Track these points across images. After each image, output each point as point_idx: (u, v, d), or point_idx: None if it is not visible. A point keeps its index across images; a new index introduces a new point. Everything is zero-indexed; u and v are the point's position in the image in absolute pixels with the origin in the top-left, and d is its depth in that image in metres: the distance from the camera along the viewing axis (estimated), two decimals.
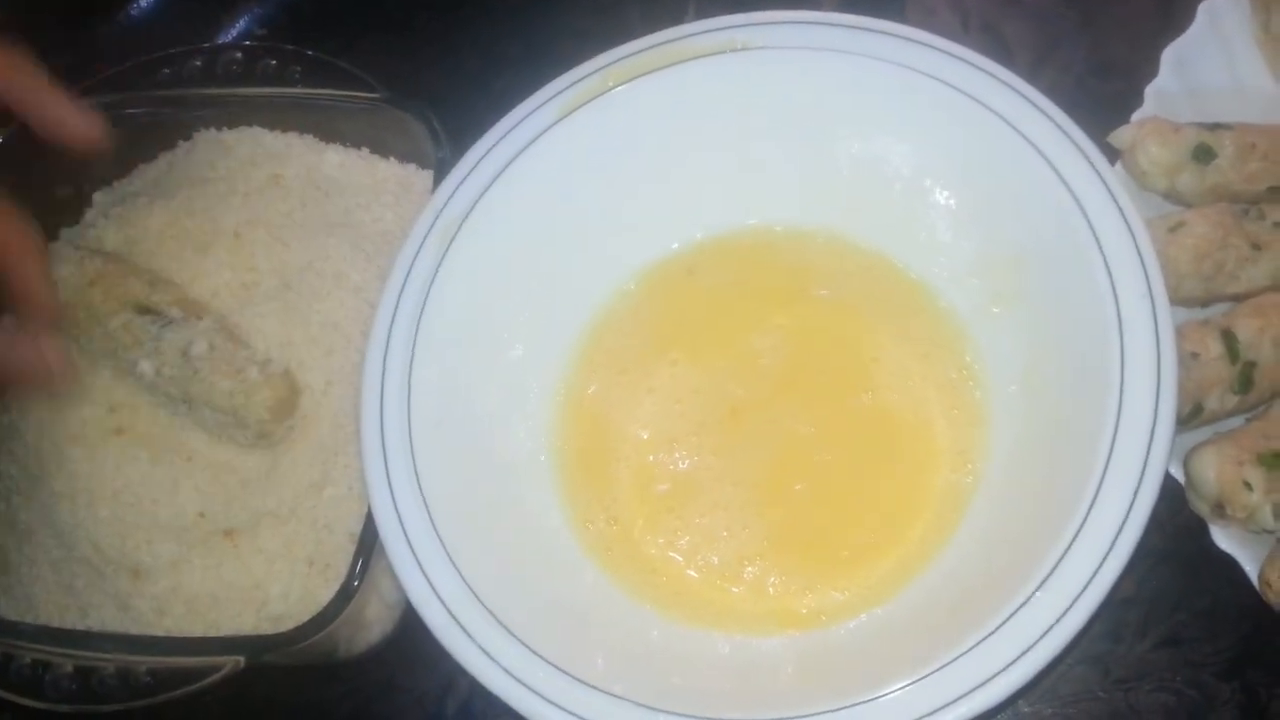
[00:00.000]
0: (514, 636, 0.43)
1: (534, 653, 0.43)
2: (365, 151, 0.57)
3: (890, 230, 0.52)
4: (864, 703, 0.40)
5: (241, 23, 0.67)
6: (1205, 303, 0.49)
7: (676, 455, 0.51)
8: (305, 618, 0.47)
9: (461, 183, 0.49)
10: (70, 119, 0.47)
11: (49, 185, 0.58)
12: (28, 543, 0.52)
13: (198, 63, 0.56)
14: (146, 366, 0.49)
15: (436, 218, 0.49)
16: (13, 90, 0.46)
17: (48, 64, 0.64)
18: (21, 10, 0.63)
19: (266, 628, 0.49)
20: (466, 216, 0.49)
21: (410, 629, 0.52)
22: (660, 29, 0.52)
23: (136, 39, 0.66)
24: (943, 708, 0.40)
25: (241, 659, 0.46)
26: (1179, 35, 0.53)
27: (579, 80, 0.51)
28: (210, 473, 0.50)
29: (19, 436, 0.52)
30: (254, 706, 0.52)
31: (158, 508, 0.50)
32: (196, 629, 0.49)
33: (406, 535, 0.45)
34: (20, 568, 0.52)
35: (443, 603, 0.44)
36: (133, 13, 0.68)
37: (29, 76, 0.47)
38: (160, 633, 0.49)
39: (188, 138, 0.58)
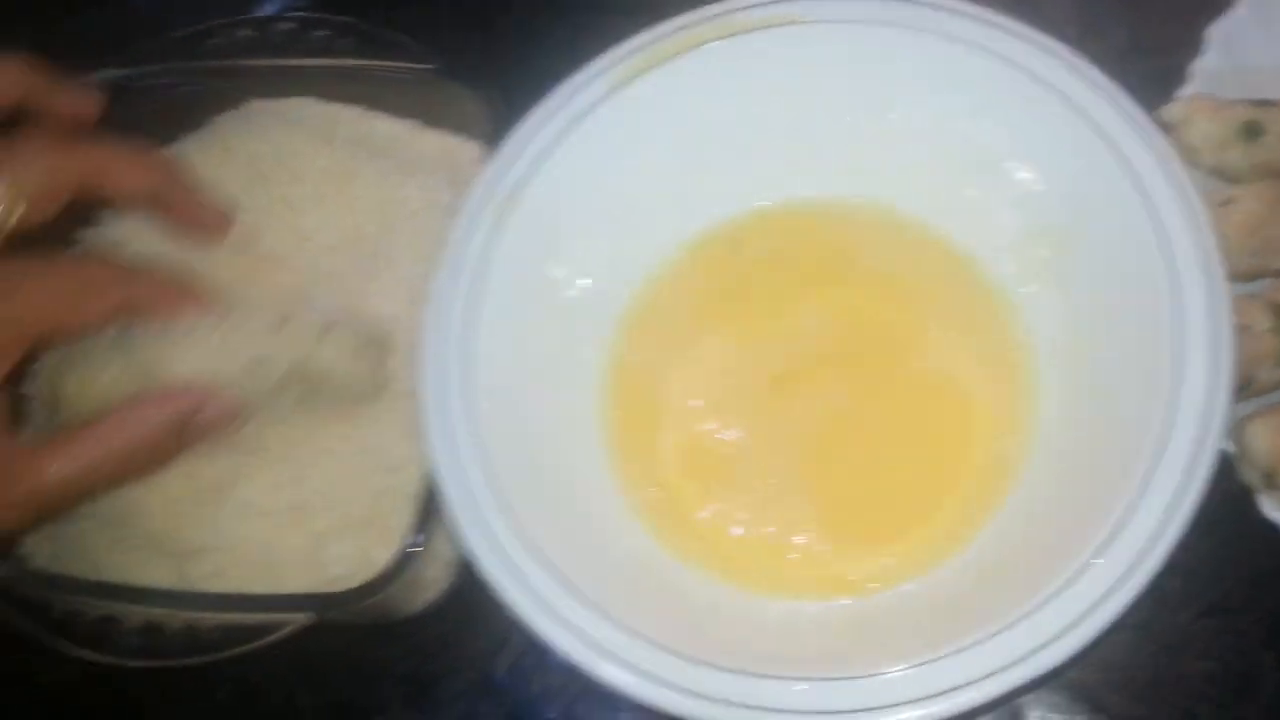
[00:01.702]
0: (573, 591, 0.44)
1: (594, 606, 0.43)
2: (413, 122, 0.57)
3: (937, 204, 0.52)
4: (917, 665, 0.41)
5: None
6: (1251, 277, 0.50)
7: (723, 424, 0.51)
8: (363, 579, 0.48)
9: (518, 152, 0.50)
10: (204, 214, 0.52)
11: None
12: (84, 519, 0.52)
13: (249, 32, 0.56)
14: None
15: (493, 189, 0.50)
16: (163, 195, 0.50)
17: (82, 33, 0.65)
18: None
19: (325, 588, 0.49)
20: (522, 187, 0.50)
21: (464, 590, 0.53)
22: (703, 5, 0.53)
23: (177, 7, 0.66)
24: (997, 672, 0.41)
25: (307, 616, 0.46)
26: (1221, 15, 0.54)
27: (631, 54, 0.51)
28: (282, 459, 0.50)
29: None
30: (311, 665, 0.53)
31: (221, 496, 0.50)
32: (256, 590, 0.49)
33: (470, 493, 0.45)
34: (74, 539, 0.53)
35: (505, 558, 0.45)
36: None
37: (178, 181, 0.52)
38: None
39: (236, 106, 0.58)
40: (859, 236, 0.53)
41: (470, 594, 0.53)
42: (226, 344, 0.47)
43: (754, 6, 0.50)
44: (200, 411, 0.46)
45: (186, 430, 0.47)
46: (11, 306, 0.44)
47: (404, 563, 0.47)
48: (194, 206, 0.52)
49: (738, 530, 0.50)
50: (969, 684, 0.41)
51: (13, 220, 0.44)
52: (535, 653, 0.53)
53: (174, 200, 0.51)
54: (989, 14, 0.48)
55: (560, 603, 0.44)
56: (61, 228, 0.51)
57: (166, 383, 0.46)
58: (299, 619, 0.47)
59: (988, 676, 0.41)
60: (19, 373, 0.48)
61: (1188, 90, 0.52)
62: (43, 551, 0.54)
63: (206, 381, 0.47)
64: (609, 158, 0.51)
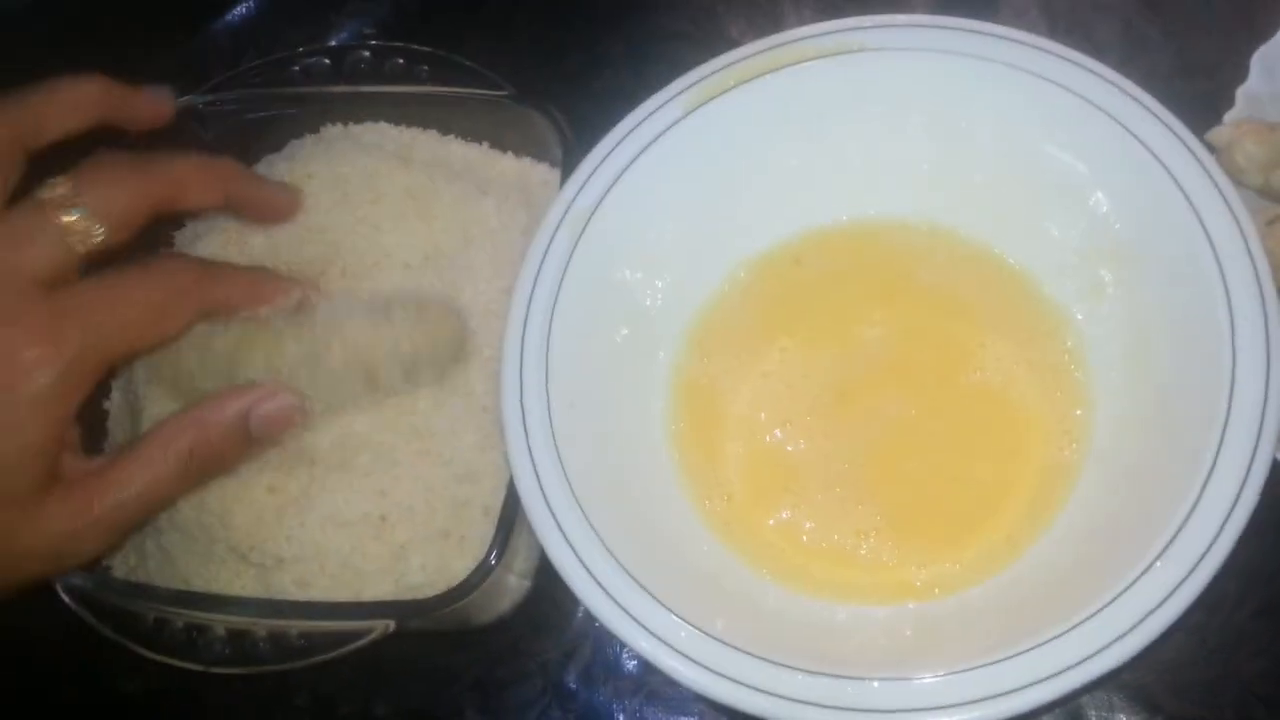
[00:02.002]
0: (649, 593, 0.45)
1: (667, 608, 0.45)
2: (485, 145, 0.60)
3: (995, 224, 0.54)
4: (979, 667, 0.43)
5: (351, 23, 0.69)
6: None
7: (789, 436, 0.53)
8: (442, 588, 0.50)
9: (592, 174, 0.52)
10: (275, 200, 0.55)
11: None
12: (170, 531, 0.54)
13: (326, 61, 0.58)
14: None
15: (567, 209, 0.52)
16: (234, 197, 0.52)
17: (160, 65, 0.68)
18: (131, 13, 0.66)
19: (405, 596, 0.51)
20: (596, 207, 0.52)
21: (537, 599, 0.55)
22: (756, 32, 0.55)
23: (248, 37, 0.69)
24: (1059, 673, 0.42)
25: (391, 623, 0.48)
26: (1265, 39, 0.56)
27: (700, 80, 0.53)
28: (365, 472, 0.52)
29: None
30: (386, 672, 0.55)
31: (304, 508, 0.52)
32: (339, 598, 0.51)
33: (548, 502, 0.47)
34: (162, 550, 0.55)
35: (583, 564, 0.46)
36: (243, 11, 0.70)
37: (245, 181, 0.54)
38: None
39: (314, 132, 0.60)
40: (920, 256, 0.55)
41: (541, 603, 0.55)
42: (310, 334, 0.48)
43: (821, 35, 0.52)
44: (261, 408, 0.47)
45: (252, 428, 0.47)
46: (91, 333, 0.44)
47: (483, 573, 0.49)
48: (264, 201, 0.54)
49: (804, 539, 0.51)
50: (1031, 685, 0.42)
51: (91, 244, 0.45)
52: (604, 660, 0.55)
53: (245, 200, 0.53)
54: (1045, 41, 0.50)
55: (634, 602, 0.45)
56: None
57: (245, 378, 0.47)
58: (381, 626, 0.49)
59: (1049, 678, 0.42)
60: (96, 392, 0.49)
61: (1233, 114, 0.54)
62: (127, 563, 0.56)
63: (284, 375, 0.48)
64: (679, 180, 0.53)
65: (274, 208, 0.55)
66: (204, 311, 0.48)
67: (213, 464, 0.48)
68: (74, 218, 0.45)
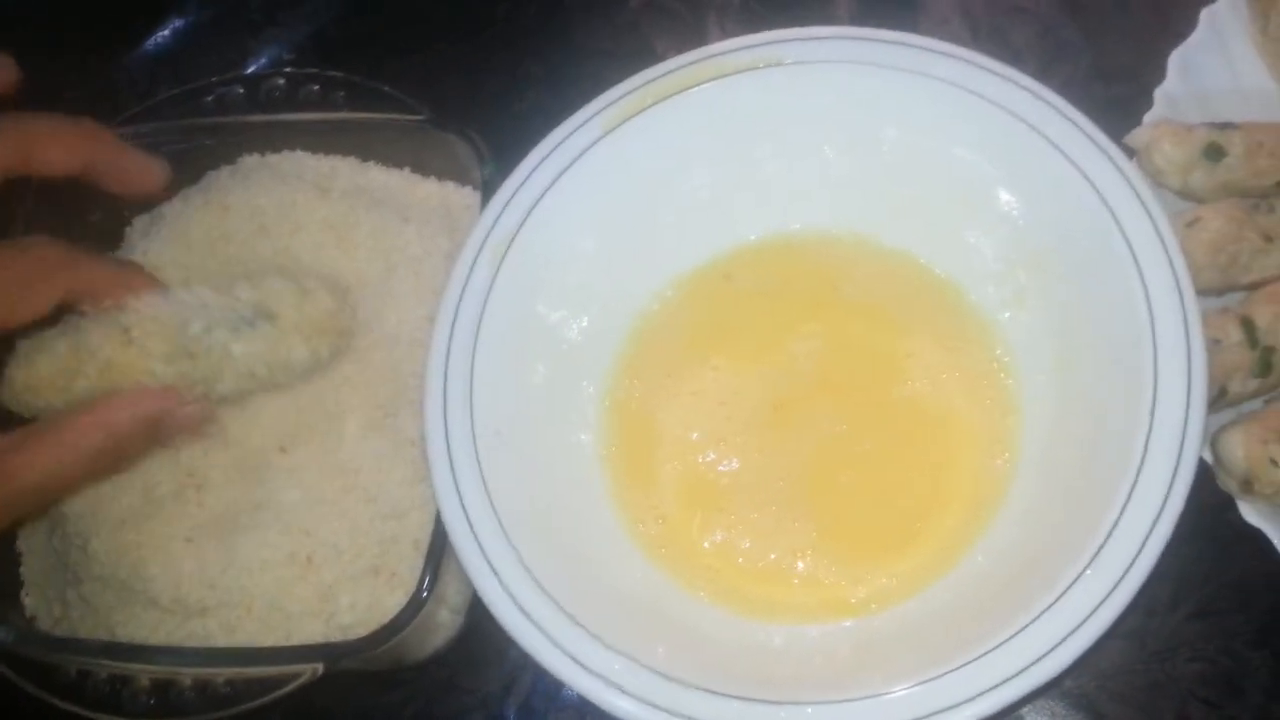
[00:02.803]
0: (582, 627, 0.45)
1: (601, 642, 0.44)
2: (406, 171, 0.59)
3: (917, 232, 0.54)
4: (924, 683, 0.42)
5: (270, 49, 0.68)
6: (1220, 292, 0.52)
7: (722, 455, 0.53)
8: (373, 626, 0.48)
9: (511, 198, 0.51)
10: (141, 169, 0.50)
11: (85, 212, 0.59)
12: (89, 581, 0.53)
13: (241, 90, 0.57)
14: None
15: (488, 234, 0.51)
16: (95, 163, 0.49)
17: (74, 96, 0.66)
18: (45, 43, 0.65)
19: (337, 637, 0.50)
20: (517, 232, 0.51)
21: (472, 633, 0.54)
22: (679, 47, 0.54)
23: (166, 67, 0.68)
24: (1003, 683, 0.42)
25: (320, 666, 0.47)
26: (1181, 40, 0.56)
27: (619, 99, 0.53)
28: (287, 512, 0.51)
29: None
30: (322, 713, 0.54)
31: (226, 553, 0.50)
32: (268, 643, 0.50)
33: (476, 537, 0.46)
34: (81, 600, 0.53)
35: (513, 600, 0.45)
36: (160, 40, 0.69)
37: (107, 145, 0.50)
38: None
39: (231, 162, 0.59)
40: (847, 267, 0.55)
41: (477, 637, 0.54)
42: (175, 327, 0.47)
43: (740, 50, 0.52)
44: (172, 412, 0.46)
45: (158, 430, 0.46)
46: None
47: (414, 609, 0.48)
48: (128, 170, 0.50)
49: (740, 559, 0.51)
50: (969, 700, 0.42)
51: None
52: (544, 691, 0.54)
53: (108, 167, 0.49)
54: (962, 51, 0.50)
55: (569, 638, 0.44)
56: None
57: (130, 377, 0.46)
58: (309, 670, 0.47)
59: (987, 691, 0.42)
60: None
61: (1152, 115, 0.54)
62: (51, 614, 0.55)
63: (172, 372, 0.46)
64: (601, 200, 0.53)
65: (139, 179, 0.51)
66: (71, 294, 0.46)
67: (116, 464, 0.47)
68: None
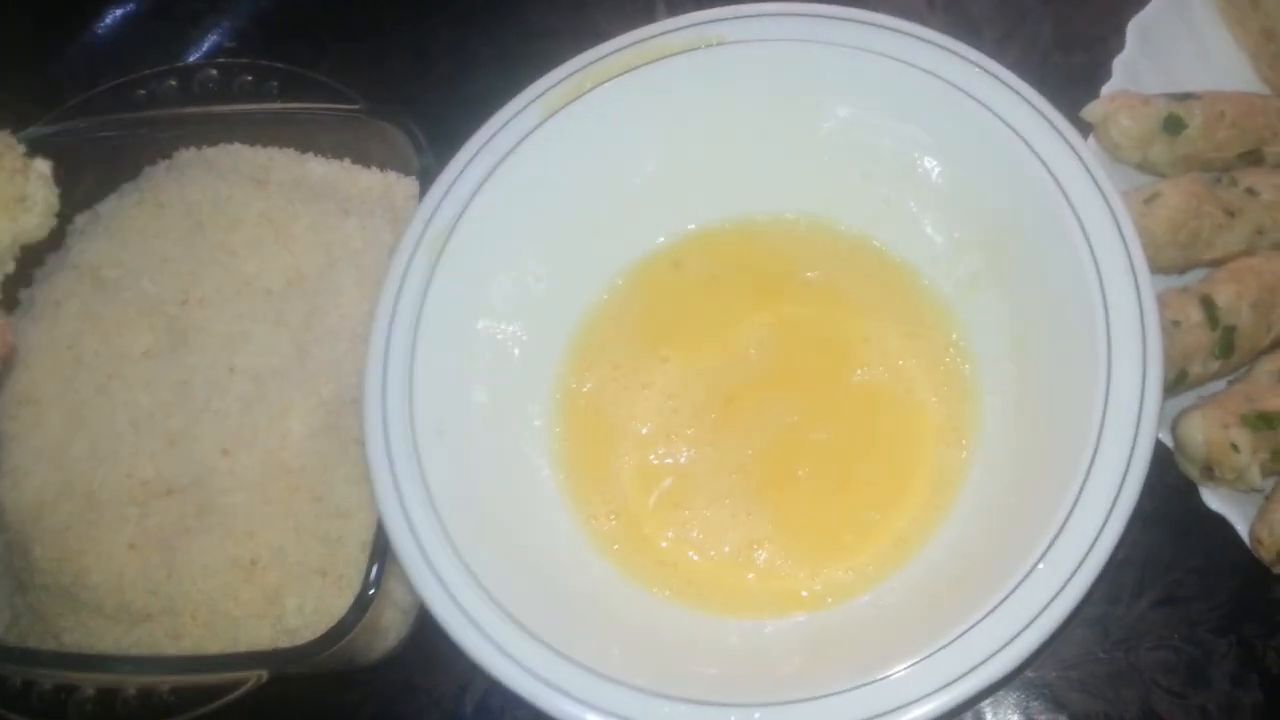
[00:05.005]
0: (530, 634, 0.44)
1: (550, 648, 0.43)
2: (347, 162, 0.57)
3: (871, 214, 0.53)
4: (875, 681, 0.41)
5: (211, 38, 0.66)
6: (1183, 270, 0.50)
7: (676, 448, 0.52)
8: (322, 629, 0.48)
9: (449, 189, 0.50)
10: None
11: None
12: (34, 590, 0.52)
13: (173, 82, 0.55)
14: None
15: (427, 225, 0.50)
16: None
17: (10, 93, 0.64)
18: None
19: (284, 641, 0.49)
20: (457, 222, 0.50)
21: (425, 632, 0.53)
22: (628, 25, 0.53)
23: (105, 59, 0.66)
24: (955, 681, 0.41)
25: (265, 672, 0.46)
26: (1142, 8, 0.54)
27: (558, 83, 0.51)
28: (230, 515, 0.50)
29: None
30: (275, 715, 0.53)
31: (168, 559, 0.50)
32: (214, 648, 0.49)
33: (418, 542, 0.45)
34: (28, 612, 0.52)
35: (458, 605, 0.44)
36: (99, 31, 0.67)
37: None
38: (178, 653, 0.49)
39: (168, 156, 0.57)
40: (797, 250, 0.53)
41: (431, 637, 0.53)
42: None
43: (679, 29, 0.50)
44: None
45: None
46: None
47: (359, 611, 0.47)
48: None
49: (694, 553, 0.50)
50: (925, 696, 0.41)
51: None
52: (499, 691, 0.53)
53: None
54: (908, 25, 0.48)
55: (513, 642, 0.43)
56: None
57: None
58: (253, 677, 0.47)
59: (943, 687, 0.41)
60: None
61: (1110, 85, 0.52)
62: (2, 620, 0.54)
63: None
64: (542, 188, 0.51)
65: None
66: None
67: None
68: None
